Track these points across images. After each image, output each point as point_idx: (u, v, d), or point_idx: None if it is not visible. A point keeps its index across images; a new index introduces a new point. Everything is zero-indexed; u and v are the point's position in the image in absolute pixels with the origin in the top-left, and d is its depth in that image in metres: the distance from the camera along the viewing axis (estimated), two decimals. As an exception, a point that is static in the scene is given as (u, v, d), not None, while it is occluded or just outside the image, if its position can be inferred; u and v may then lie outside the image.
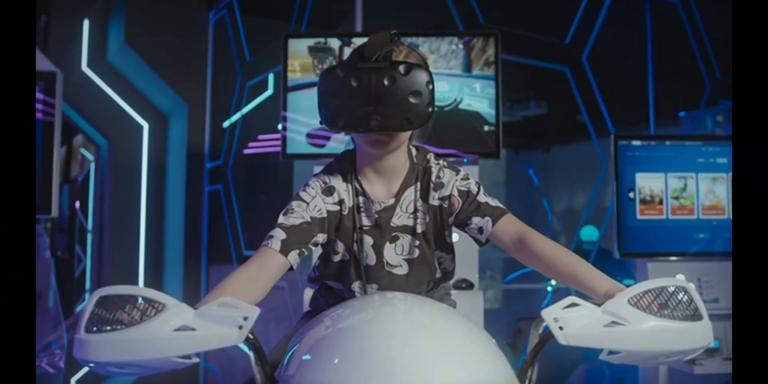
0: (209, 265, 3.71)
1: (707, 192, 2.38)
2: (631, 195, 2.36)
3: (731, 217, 2.39)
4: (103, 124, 3.51)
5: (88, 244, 3.91)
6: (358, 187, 1.27)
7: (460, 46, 2.28)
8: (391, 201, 1.27)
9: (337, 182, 1.27)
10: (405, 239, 1.28)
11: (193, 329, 0.82)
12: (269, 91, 3.51)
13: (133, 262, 3.57)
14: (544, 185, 6.01)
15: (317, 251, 1.31)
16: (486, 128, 2.24)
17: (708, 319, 0.89)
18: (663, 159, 2.38)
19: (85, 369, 3.35)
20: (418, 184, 1.28)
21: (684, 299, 0.89)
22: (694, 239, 2.38)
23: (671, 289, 0.90)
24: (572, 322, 0.86)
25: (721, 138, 2.68)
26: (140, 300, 0.84)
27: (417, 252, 1.29)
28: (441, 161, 1.31)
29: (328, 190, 1.26)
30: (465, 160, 2.26)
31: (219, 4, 3.69)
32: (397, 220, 1.28)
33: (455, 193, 1.26)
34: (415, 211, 1.28)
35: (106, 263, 3.54)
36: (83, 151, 4.34)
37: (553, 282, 3.51)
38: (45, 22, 3.41)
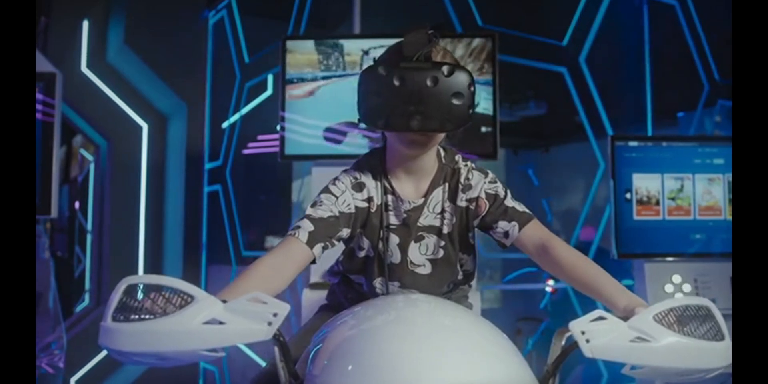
0: (208, 265, 3.72)
1: (704, 193, 2.39)
2: (628, 196, 2.37)
3: (728, 217, 2.40)
4: (103, 124, 3.52)
5: (88, 244, 3.92)
6: (387, 185, 1.28)
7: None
8: (420, 201, 1.28)
9: (367, 179, 1.28)
10: (431, 239, 1.30)
11: (222, 323, 0.82)
12: (268, 92, 3.52)
13: (133, 262, 3.57)
14: (543, 185, 6.01)
15: (340, 245, 1.31)
16: (483, 129, 2.25)
17: (729, 339, 0.91)
18: (660, 160, 2.39)
19: (85, 369, 3.35)
20: (446, 184, 1.29)
21: (707, 319, 0.92)
22: (691, 240, 2.38)
23: (695, 307, 0.92)
24: (598, 336, 0.87)
25: (718, 139, 2.69)
26: (168, 290, 0.84)
27: (441, 252, 1.30)
28: (469, 163, 1.32)
29: (358, 186, 1.27)
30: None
31: (218, 4, 3.69)
32: (424, 220, 1.29)
33: (483, 195, 1.27)
34: (443, 211, 1.29)
35: (105, 263, 3.54)
36: (83, 151, 4.35)
37: (551, 282, 3.52)
38: (45, 23, 3.41)
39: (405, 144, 1.21)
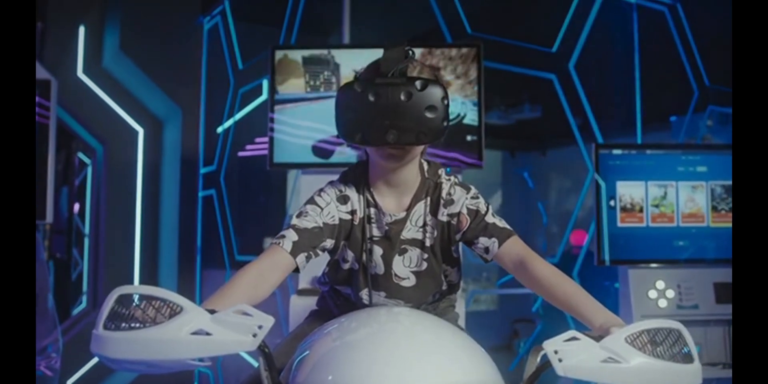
0: (203, 269, 3.75)
1: (687, 200, 2.42)
2: (612, 203, 2.39)
3: (711, 224, 2.43)
4: (99, 129, 3.56)
5: (86, 247, 3.95)
6: (370, 198, 1.32)
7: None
8: (402, 214, 1.31)
9: (351, 192, 1.32)
10: (414, 252, 1.33)
11: (209, 334, 0.86)
12: (263, 97, 3.55)
13: (129, 266, 3.61)
14: (539, 188, 6.03)
15: (325, 257, 1.34)
16: (469, 138, 2.27)
17: (699, 361, 0.93)
18: (643, 167, 2.41)
19: (81, 371, 3.39)
20: (429, 199, 1.32)
21: (678, 342, 0.94)
22: (674, 246, 2.41)
23: (667, 330, 0.95)
24: (571, 355, 0.89)
25: (701, 147, 2.71)
26: (158, 300, 0.87)
27: (425, 265, 1.33)
28: (452, 178, 1.35)
29: (343, 199, 1.31)
30: (448, 169, 2.28)
31: (212, 11, 3.73)
32: (407, 234, 1.32)
33: (464, 211, 1.30)
34: (425, 225, 1.32)
35: (102, 266, 3.58)
36: (81, 155, 4.39)
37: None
38: (41, 29, 3.45)
39: (383, 157, 1.24)
